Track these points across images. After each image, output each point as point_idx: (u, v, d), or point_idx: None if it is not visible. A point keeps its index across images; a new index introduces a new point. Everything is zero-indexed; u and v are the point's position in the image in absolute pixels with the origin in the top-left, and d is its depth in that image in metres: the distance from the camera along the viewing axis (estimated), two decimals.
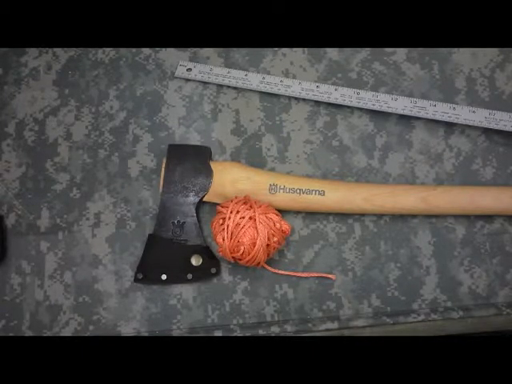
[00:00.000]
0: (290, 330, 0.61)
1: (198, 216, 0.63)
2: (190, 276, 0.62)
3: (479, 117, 0.66)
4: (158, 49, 0.72)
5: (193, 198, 0.63)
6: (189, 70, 0.71)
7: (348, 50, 0.71)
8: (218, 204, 0.62)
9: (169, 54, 0.72)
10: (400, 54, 0.71)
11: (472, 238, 0.64)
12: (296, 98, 0.70)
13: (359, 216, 0.65)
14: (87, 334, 0.62)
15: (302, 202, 0.62)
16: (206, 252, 0.63)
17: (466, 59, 0.70)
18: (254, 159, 0.67)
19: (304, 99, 0.69)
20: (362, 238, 0.64)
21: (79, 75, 0.71)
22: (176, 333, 0.61)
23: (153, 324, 0.62)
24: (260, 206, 0.59)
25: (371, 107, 0.67)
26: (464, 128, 0.68)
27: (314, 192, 0.62)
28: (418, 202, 0.62)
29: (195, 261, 0.63)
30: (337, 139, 0.68)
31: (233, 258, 0.60)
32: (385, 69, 0.70)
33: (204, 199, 0.63)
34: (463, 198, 0.62)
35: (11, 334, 0.62)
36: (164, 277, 0.62)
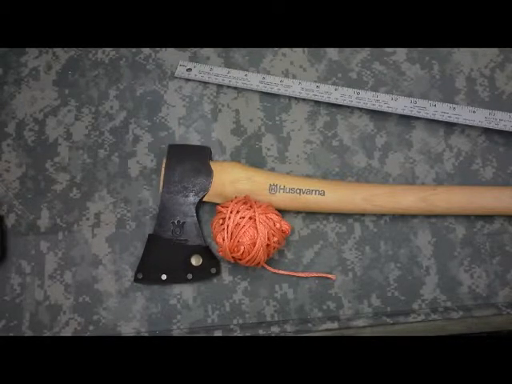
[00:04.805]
0: (289, 329, 0.61)
1: (198, 216, 0.63)
2: (190, 276, 0.62)
3: (479, 117, 0.66)
4: (157, 49, 0.72)
5: (193, 198, 0.63)
6: (189, 70, 0.71)
7: (348, 50, 0.71)
8: (218, 204, 0.62)
9: (169, 54, 0.72)
10: (400, 53, 0.71)
11: (472, 238, 0.64)
12: (296, 98, 0.70)
13: (359, 216, 0.65)
14: (87, 334, 0.62)
15: (302, 202, 0.62)
16: (206, 252, 0.63)
17: (466, 59, 0.70)
18: (254, 159, 0.67)
19: (304, 99, 0.69)
20: (362, 238, 0.64)
21: (79, 75, 0.71)
22: (176, 333, 0.62)
23: (153, 324, 0.62)
24: (260, 206, 0.59)
25: (371, 107, 0.67)
26: (464, 128, 0.68)
27: (314, 192, 0.62)
28: (418, 202, 0.62)
29: (195, 261, 0.63)
30: (337, 139, 0.68)
31: (233, 258, 0.60)
32: (385, 69, 0.70)
33: (204, 199, 0.63)
34: (463, 197, 0.62)
35: (11, 334, 0.62)
36: (164, 277, 0.62)
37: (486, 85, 0.69)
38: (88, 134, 0.69)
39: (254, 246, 0.58)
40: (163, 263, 0.63)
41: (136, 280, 0.63)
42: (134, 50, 0.72)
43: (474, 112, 0.66)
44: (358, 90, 0.68)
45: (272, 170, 0.67)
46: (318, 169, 0.67)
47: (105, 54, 0.72)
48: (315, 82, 0.70)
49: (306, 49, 0.71)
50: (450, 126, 0.68)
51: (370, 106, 0.67)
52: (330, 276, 0.63)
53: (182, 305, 0.63)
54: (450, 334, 0.62)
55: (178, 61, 0.71)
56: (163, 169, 0.63)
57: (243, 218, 0.58)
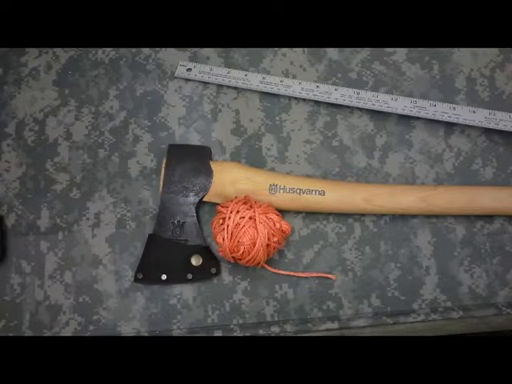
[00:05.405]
0: (289, 329, 0.61)
1: (198, 216, 0.63)
2: (190, 276, 0.62)
3: (479, 117, 0.66)
4: (157, 49, 0.72)
5: (193, 198, 0.63)
6: (189, 70, 0.71)
7: (348, 50, 0.71)
8: (218, 204, 0.62)
9: (169, 54, 0.72)
10: (400, 53, 0.71)
11: (472, 238, 0.64)
12: (296, 98, 0.70)
13: (359, 216, 0.65)
14: (87, 334, 0.62)
15: (302, 201, 0.62)
16: (206, 252, 0.63)
17: (466, 59, 0.70)
18: (254, 159, 0.67)
19: (304, 99, 0.69)
20: (361, 238, 0.64)
21: (79, 75, 0.71)
22: (176, 333, 0.61)
23: (153, 324, 0.62)
24: (260, 206, 0.59)
25: (371, 107, 0.67)
26: (464, 128, 0.68)
27: (314, 192, 0.62)
28: (418, 201, 0.62)
29: (195, 261, 0.63)
30: (337, 139, 0.68)
31: (233, 258, 0.60)
32: (385, 69, 0.70)
33: (204, 199, 0.63)
34: (463, 197, 0.62)
35: (11, 334, 0.62)
36: (164, 277, 0.62)
37: (486, 85, 0.69)
38: (88, 134, 0.69)
39: (254, 246, 0.58)
40: (163, 263, 0.63)
41: (136, 280, 0.63)
42: (133, 50, 0.72)
43: (474, 112, 0.66)
44: (358, 90, 0.68)
45: (272, 169, 0.67)
46: (318, 169, 0.67)
47: (105, 53, 0.72)
48: (315, 82, 0.70)
49: (306, 49, 0.71)
50: (450, 126, 0.68)
51: (370, 106, 0.67)
52: (329, 276, 0.63)
53: (182, 305, 0.63)
54: (450, 334, 0.62)
55: (178, 61, 0.71)
56: (163, 169, 0.63)
57: (243, 217, 0.58)
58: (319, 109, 0.69)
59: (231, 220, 0.58)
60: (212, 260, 0.63)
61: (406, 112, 0.67)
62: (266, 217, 0.59)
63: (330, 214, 0.65)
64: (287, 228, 0.60)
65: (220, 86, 0.70)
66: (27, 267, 0.64)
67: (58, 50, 0.72)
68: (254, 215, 0.58)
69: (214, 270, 0.63)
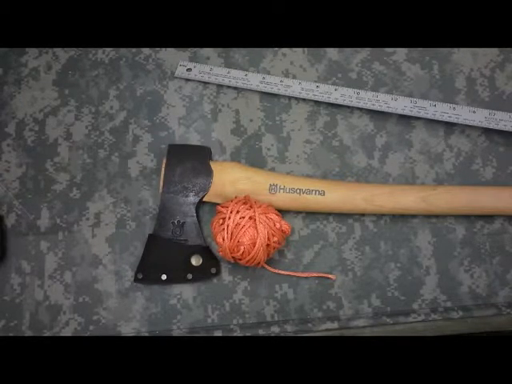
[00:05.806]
0: (290, 329, 0.61)
1: (198, 216, 0.63)
2: (189, 276, 0.62)
3: (479, 117, 0.66)
4: (157, 49, 0.72)
5: (193, 198, 0.63)
6: (189, 70, 0.71)
7: (348, 50, 0.71)
8: (218, 204, 0.62)
9: (169, 54, 0.72)
10: (400, 53, 0.71)
11: (472, 238, 0.64)
12: (296, 98, 0.70)
13: (359, 216, 0.65)
14: (87, 334, 0.62)
15: (302, 201, 0.62)
16: (206, 252, 0.63)
17: (466, 59, 0.70)
18: (254, 159, 0.67)
19: (304, 99, 0.69)
20: (362, 238, 0.64)
21: (79, 75, 0.71)
22: (176, 333, 0.62)
23: (153, 324, 0.62)
24: (260, 206, 0.59)
25: (371, 107, 0.67)
26: (464, 128, 0.68)
27: (314, 192, 0.62)
28: (418, 201, 0.62)
29: (195, 261, 0.63)
30: (337, 139, 0.68)
31: (233, 257, 0.60)
32: (385, 69, 0.70)
33: (204, 199, 0.63)
34: (463, 197, 0.62)
35: (11, 334, 0.62)
36: (164, 277, 0.62)
37: (486, 85, 0.69)
38: (88, 134, 0.69)
39: (254, 246, 0.58)
40: (163, 263, 0.63)
41: (136, 280, 0.63)
42: (133, 50, 0.72)
43: (474, 112, 0.66)
44: (358, 90, 0.68)
45: (272, 169, 0.67)
46: (318, 169, 0.67)
47: (105, 53, 0.72)
48: (315, 82, 0.70)
49: (305, 49, 0.71)
50: (450, 126, 0.68)
51: (370, 106, 0.67)
52: (329, 276, 0.63)
53: (181, 305, 0.63)
54: (450, 334, 0.62)
55: (178, 61, 0.71)
56: (163, 169, 0.63)
57: (243, 217, 0.58)
58: (319, 109, 0.69)
59: (231, 220, 0.58)
60: (212, 260, 0.63)
61: (406, 112, 0.67)
62: (266, 217, 0.59)
63: (330, 213, 0.65)
64: (287, 228, 0.60)
65: (220, 86, 0.70)
66: (27, 267, 0.64)
67: (58, 50, 0.72)
68: (254, 215, 0.58)
69: (214, 270, 0.63)
